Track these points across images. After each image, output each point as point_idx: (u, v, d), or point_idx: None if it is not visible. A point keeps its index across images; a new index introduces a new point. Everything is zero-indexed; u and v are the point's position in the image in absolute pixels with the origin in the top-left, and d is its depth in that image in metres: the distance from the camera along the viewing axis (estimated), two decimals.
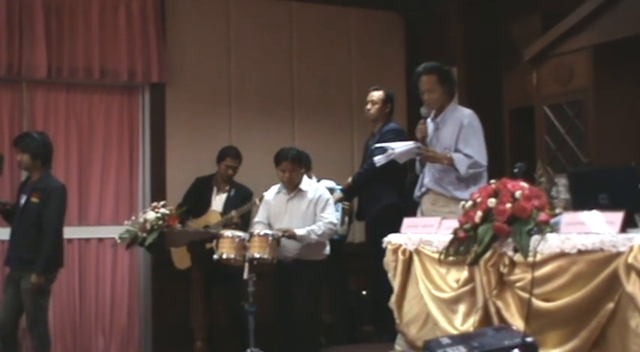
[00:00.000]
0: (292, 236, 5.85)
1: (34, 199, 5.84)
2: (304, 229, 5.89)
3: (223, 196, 7.00)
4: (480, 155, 5.23)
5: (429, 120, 5.40)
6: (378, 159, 5.30)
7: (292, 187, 6.08)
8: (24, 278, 5.77)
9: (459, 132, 5.24)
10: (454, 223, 4.01)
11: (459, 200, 5.17)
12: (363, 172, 6.61)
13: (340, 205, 6.73)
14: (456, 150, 5.21)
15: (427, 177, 5.36)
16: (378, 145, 5.45)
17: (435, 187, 5.29)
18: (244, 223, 6.68)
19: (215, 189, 7.05)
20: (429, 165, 5.34)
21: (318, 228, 5.93)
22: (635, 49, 5.90)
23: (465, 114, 5.33)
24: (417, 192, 5.46)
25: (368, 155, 6.62)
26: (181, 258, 6.54)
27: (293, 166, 6.00)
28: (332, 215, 6.04)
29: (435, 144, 5.29)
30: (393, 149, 5.15)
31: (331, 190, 6.53)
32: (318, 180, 6.70)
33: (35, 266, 5.72)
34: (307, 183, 6.11)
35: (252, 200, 6.56)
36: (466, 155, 5.18)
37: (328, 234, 6.00)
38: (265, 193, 6.24)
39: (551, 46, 6.32)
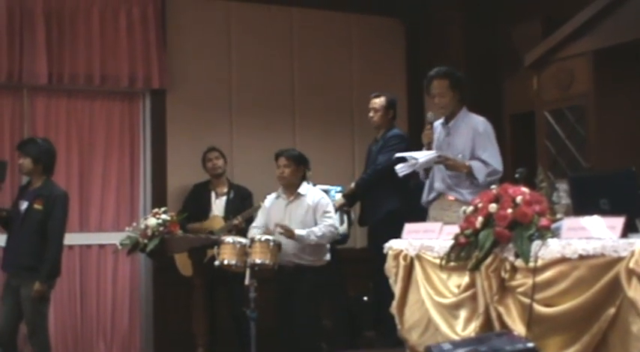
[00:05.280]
0: (291, 236, 5.84)
1: (38, 206, 5.80)
2: (304, 230, 5.88)
3: (223, 199, 7.02)
4: (497, 162, 5.24)
5: (438, 125, 5.40)
6: (401, 169, 5.20)
7: (290, 189, 6.08)
8: (24, 285, 5.74)
9: (473, 138, 5.25)
10: (455, 229, 4.01)
11: None
12: (367, 177, 6.61)
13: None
14: (474, 158, 5.21)
15: (437, 182, 5.33)
16: (399, 155, 5.36)
17: (449, 192, 5.27)
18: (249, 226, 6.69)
19: (214, 194, 7.06)
20: (437, 171, 5.32)
21: (318, 229, 5.92)
22: (636, 53, 5.91)
23: (478, 121, 5.33)
24: (426, 198, 5.44)
25: (371, 160, 6.64)
26: (186, 265, 6.53)
27: (289, 163, 6.02)
28: (333, 218, 6.04)
29: (445, 149, 5.26)
30: (416, 159, 5.10)
31: (326, 192, 6.54)
32: (314, 185, 6.71)
33: (39, 274, 5.70)
34: (306, 188, 6.11)
35: (257, 205, 6.55)
36: (484, 162, 5.18)
37: (329, 236, 5.99)
38: (268, 196, 6.24)
39: (551, 51, 6.33)
